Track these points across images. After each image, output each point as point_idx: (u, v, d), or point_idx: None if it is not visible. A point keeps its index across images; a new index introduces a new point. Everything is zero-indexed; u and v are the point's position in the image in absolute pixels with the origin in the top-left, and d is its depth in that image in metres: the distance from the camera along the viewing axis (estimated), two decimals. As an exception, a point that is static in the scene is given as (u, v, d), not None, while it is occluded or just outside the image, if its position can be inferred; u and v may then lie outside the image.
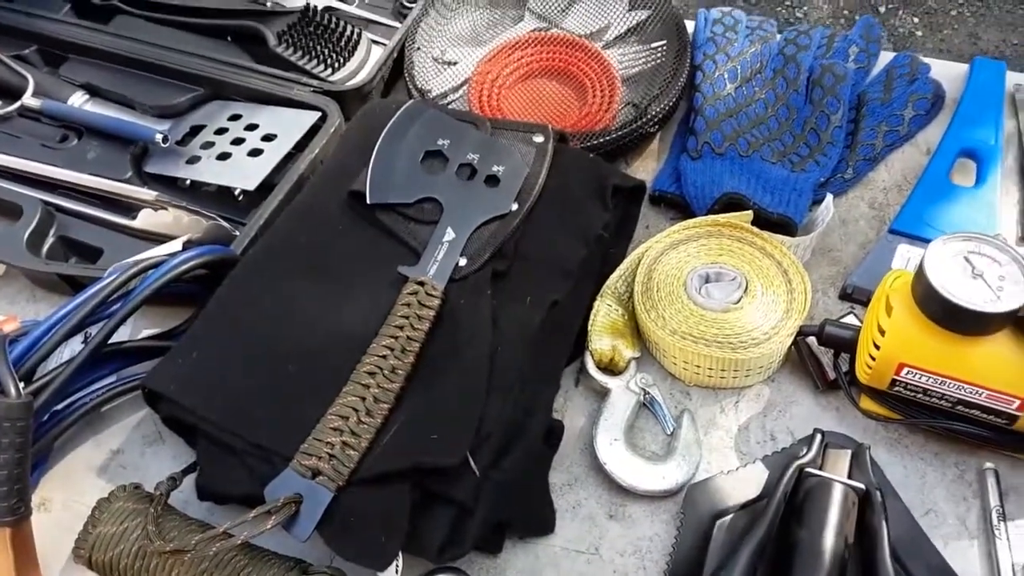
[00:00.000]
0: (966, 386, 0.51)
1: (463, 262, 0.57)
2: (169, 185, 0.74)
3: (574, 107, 0.74)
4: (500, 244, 0.57)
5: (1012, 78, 0.74)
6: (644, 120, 0.71)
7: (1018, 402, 0.50)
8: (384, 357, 0.52)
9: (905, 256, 0.62)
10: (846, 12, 2.25)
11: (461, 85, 0.77)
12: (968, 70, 0.74)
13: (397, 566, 0.49)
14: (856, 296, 0.63)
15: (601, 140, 0.69)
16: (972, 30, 2.27)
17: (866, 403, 0.57)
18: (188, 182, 0.74)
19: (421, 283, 0.55)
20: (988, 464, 0.54)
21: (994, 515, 0.52)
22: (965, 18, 2.30)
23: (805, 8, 2.26)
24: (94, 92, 0.81)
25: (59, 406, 0.58)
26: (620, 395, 0.58)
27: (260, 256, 0.59)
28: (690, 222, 0.64)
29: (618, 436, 0.56)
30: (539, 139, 0.62)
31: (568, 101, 0.74)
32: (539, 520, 0.54)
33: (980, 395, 0.51)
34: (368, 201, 0.59)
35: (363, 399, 0.51)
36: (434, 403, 0.51)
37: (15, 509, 0.51)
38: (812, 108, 0.72)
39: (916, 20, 2.31)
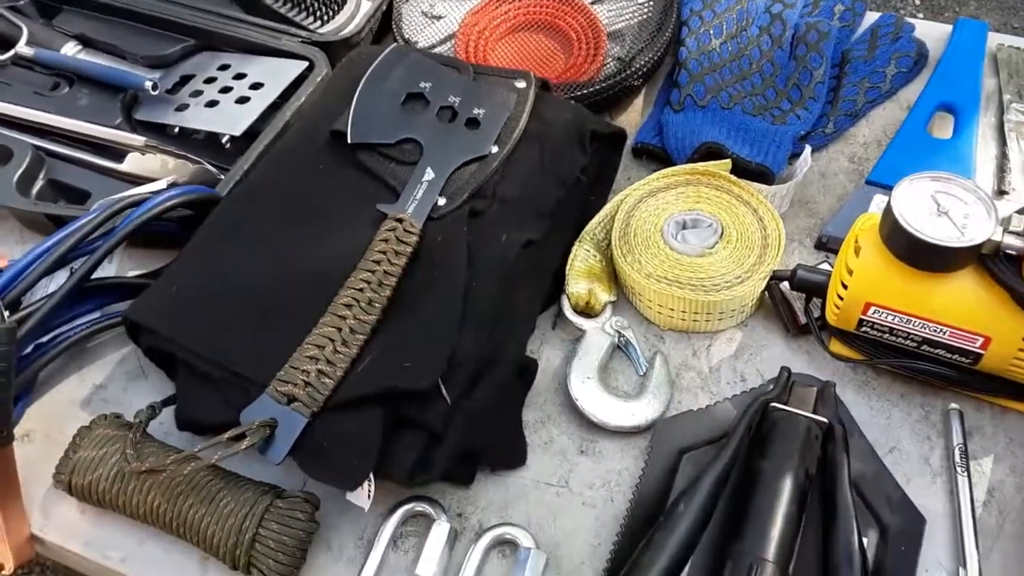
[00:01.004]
0: (930, 324, 0.51)
1: (441, 202, 0.57)
2: (158, 132, 0.75)
3: (560, 59, 0.74)
4: (479, 185, 0.58)
5: (995, 38, 0.75)
6: (628, 72, 0.71)
7: (981, 339, 0.51)
8: (361, 290, 0.53)
9: (880, 206, 0.63)
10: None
11: (448, 38, 0.77)
12: (952, 29, 0.75)
13: (369, 491, 0.50)
14: (831, 245, 0.64)
15: (585, 91, 0.70)
16: (974, 13, 2.27)
17: (835, 346, 0.58)
18: (177, 129, 0.75)
19: (399, 220, 0.56)
20: (953, 405, 0.55)
21: (956, 453, 0.53)
22: (967, 1, 2.30)
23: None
24: (87, 43, 0.82)
25: (43, 339, 0.60)
26: (595, 336, 0.59)
27: (242, 195, 0.60)
28: (669, 170, 0.64)
29: (591, 374, 0.57)
30: (521, 85, 0.62)
31: (554, 54, 0.75)
32: (511, 453, 0.55)
33: (944, 333, 0.51)
34: (349, 140, 0.59)
35: (339, 329, 0.52)
36: (408, 334, 0.52)
37: (-1, 433, 0.53)
38: (796, 64, 0.73)
39: (918, 2, 2.31)
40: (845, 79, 0.73)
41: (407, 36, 0.77)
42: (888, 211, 0.50)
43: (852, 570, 0.45)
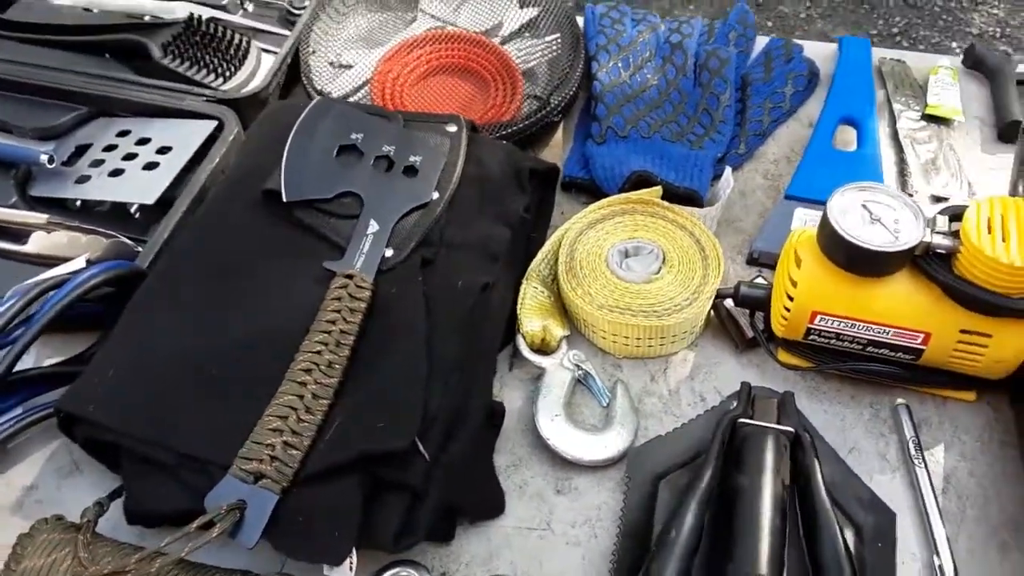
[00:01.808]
0: (874, 326, 0.54)
1: (389, 253, 0.56)
2: (58, 208, 0.70)
3: (478, 101, 0.75)
4: (425, 233, 0.57)
5: (876, 52, 0.80)
6: (548, 110, 0.72)
7: (922, 336, 0.54)
8: (319, 353, 0.51)
9: (802, 218, 0.66)
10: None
11: (361, 87, 0.76)
12: (837, 48, 0.80)
13: (351, 563, 0.48)
14: (762, 260, 0.67)
15: (508, 131, 0.70)
16: (822, 29, 2.44)
17: (783, 356, 0.60)
18: (79, 203, 0.71)
19: (350, 276, 0.54)
20: (900, 400, 0.58)
21: (911, 446, 0.56)
22: (814, 20, 2.47)
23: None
24: (-38, 118, 0.76)
25: (-40, 444, 0.54)
26: (555, 373, 0.59)
27: (171, 266, 0.57)
28: (604, 201, 0.65)
29: (558, 412, 0.57)
30: (452, 128, 0.62)
31: (471, 96, 0.75)
32: (489, 502, 0.54)
33: (887, 334, 0.54)
34: (284, 199, 0.57)
35: (301, 397, 0.49)
36: (375, 393, 0.50)
37: (-79, 556, 0.47)
38: (702, 91, 0.76)
39: (770, 24, 2.47)
40: (749, 101, 0.76)
41: (318, 87, 0.75)
42: (825, 223, 0.53)
43: (843, 574, 0.47)
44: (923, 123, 0.75)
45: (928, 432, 0.57)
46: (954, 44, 2.18)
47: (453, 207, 0.59)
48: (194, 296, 0.55)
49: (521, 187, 0.61)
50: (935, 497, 0.53)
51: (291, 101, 0.72)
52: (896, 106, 0.75)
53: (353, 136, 0.60)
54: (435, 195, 0.59)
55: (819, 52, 0.81)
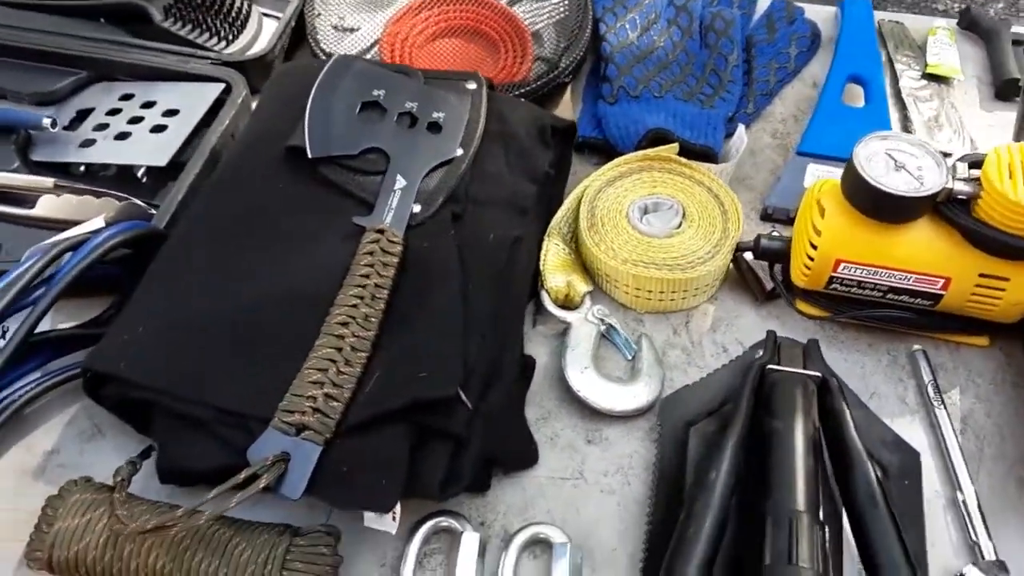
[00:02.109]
0: (896, 273, 0.55)
1: (417, 209, 0.56)
2: (61, 173, 0.69)
3: (488, 64, 0.74)
4: (451, 189, 0.57)
5: (875, 15, 0.82)
6: (558, 71, 0.72)
7: (942, 281, 0.55)
8: (355, 306, 0.51)
9: (814, 173, 0.67)
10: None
11: (369, 48, 0.76)
12: (838, 9, 0.81)
13: (395, 514, 0.48)
14: (776, 216, 0.68)
15: (519, 92, 0.70)
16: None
17: (802, 306, 0.61)
18: (82, 168, 0.69)
19: (380, 231, 0.54)
20: (916, 346, 0.59)
21: (930, 389, 0.57)
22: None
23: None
24: (-43, 84, 0.74)
25: (-19, 408, 0.53)
26: (581, 327, 0.59)
27: (195, 223, 0.56)
28: (622, 159, 0.66)
29: (587, 364, 0.57)
30: (472, 86, 0.62)
31: (481, 58, 0.75)
32: (523, 453, 0.54)
33: (909, 280, 0.56)
34: (310, 155, 0.57)
35: (339, 350, 0.49)
36: (414, 345, 0.50)
37: (-45, 517, 0.46)
38: (709, 52, 0.77)
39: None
40: (755, 61, 0.77)
41: (325, 49, 0.74)
42: (851, 171, 0.54)
43: (878, 509, 0.48)
44: (924, 82, 0.76)
45: (943, 376, 0.59)
46: (937, 5, 2.17)
47: (477, 163, 0.59)
48: (222, 253, 0.54)
49: (545, 143, 0.61)
50: (956, 437, 0.55)
51: (303, 61, 0.71)
52: (898, 66, 0.77)
53: (375, 92, 0.60)
54: (459, 151, 0.59)
55: (819, 14, 0.82)
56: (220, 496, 0.45)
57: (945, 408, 0.56)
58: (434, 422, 0.47)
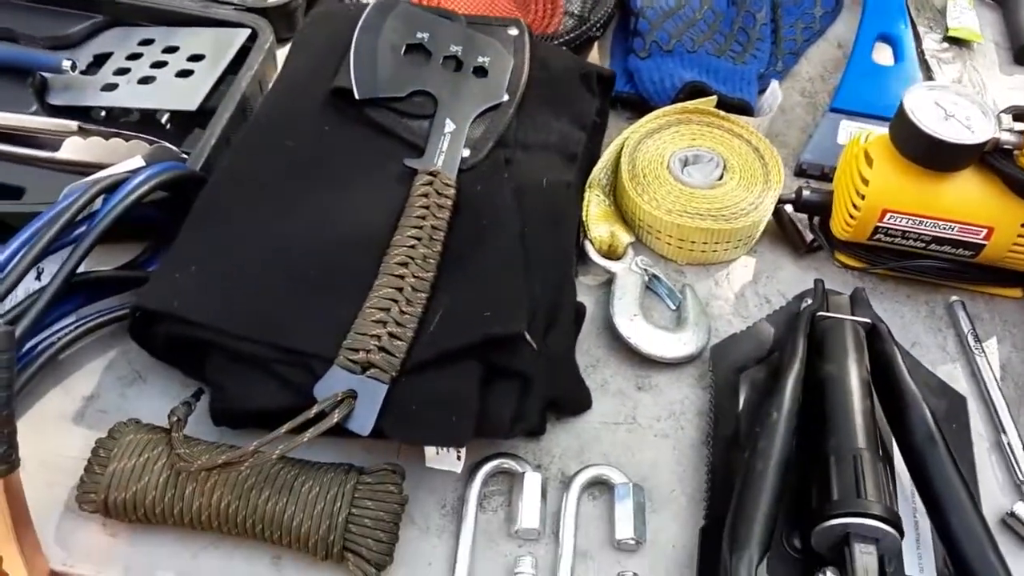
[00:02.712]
0: (941, 223, 0.56)
1: (466, 153, 0.55)
2: (80, 117, 0.66)
3: (517, 16, 0.73)
4: (500, 134, 0.56)
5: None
6: (588, 25, 0.72)
7: (984, 231, 0.56)
8: (413, 247, 0.50)
9: (847, 129, 0.68)
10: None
11: (396, 0, 0.74)
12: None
13: (459, 453, 0.48)
14: (810, 172, 0.68)
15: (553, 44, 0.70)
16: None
17: (842, 258, 0.62)
18: (103, 113, 0.67)
19: (433, 174, 0.53)
20: (954, 297, 0.61)
21: (970, 338, 0.58)
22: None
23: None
24: (-33, 28, 0.71)
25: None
26: (626, 276, 0.59)
27: (241, 163, 0.55)
28: (660, 111, 0.66)
29: (636, 312, 0.57)
30: (514, 32, 0.61)
31: (509, 11, 0.74)
32: (578, 398, 0.54)
33: (953, 230, 0.56)
34: (357, 96, 0.56)
35: (400, 289, 0.48)
36: (475, 285, 0.49)
37: (7, 457, 0.45)
38: (736, 10, 0.77)
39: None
40: (781, 21, 0.77)
41: (354, -2, 0.73)
42: (902, 119, 0.54)
43: (937, 448, 0.48)
44: (946, 44, 0.77)
45: (980, 327, 0.60)
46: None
47: (523, 109, 0.58)
48: (271, 194, 0.53)
49: (591, 91, 0.61)
50: (997, 382, 0.56)
51: (338, 5, 0.69)
52: (920, 28, 0.78)
53: (419, 35, 0.59)
54: (505, 97, 0.58)
55: (839, -23, 0.83)
56: (287, 433, 0.44)
57: (985, 355, 0.57)
58: (501, 360, 0.47)
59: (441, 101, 0.57)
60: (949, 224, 0.56)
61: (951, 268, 0.59)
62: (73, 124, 0.63)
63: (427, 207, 0.51)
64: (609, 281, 0.60)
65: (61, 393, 0.54)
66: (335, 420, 0.44)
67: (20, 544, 0.45)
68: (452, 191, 0.53)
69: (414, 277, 0.49)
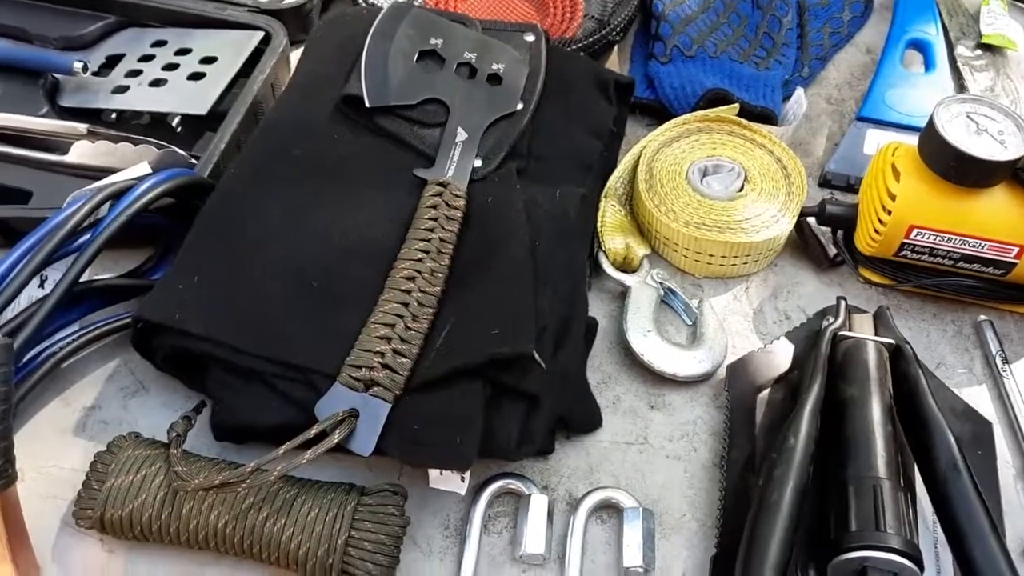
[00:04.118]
0: (970, 240, 0.54)
1: (478, 163, 0.54)
2: (91, 119, 0.66)
3: (535, 20, 0.72)
4: (513, 143, 0.55)
5: (926, -16, 0.80)
6: (608, 29, 0.70)
7: (1016, 249, 0.54)
8: (420, 260, 0.49)
9: (875, 140, 0.66)
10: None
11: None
12: (889, -25, 0.80)
13: (464, 474, 0.47)
14: (834, 182, 0.66)
15: (571, 48, 0.68)
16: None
17: (866, 274, 0.60)
18: (113, 115, 0.66)
19: (443, 184, 0.51)
20: (982, 316, 0.58)
21: (998, 359, 0.56)
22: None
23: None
24: (-21, 28, 0.70)
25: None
26: (641, 290, 0.58)
27: (248, 171, 0.54)
28: (680, 119, 0.64)
29: (650, 328, 0.55)
30: (530, 38, 0.60)
31: (528, 14, 0.72)
32: (588, 416, 0.52)
33: (983, 247, 0.54)
34: (368, 104, 0.54)
35: (406, 304, 0.47)
36: (484, 301, 0.48)
37: (3, 471, 0.44)
38: (761, 14, 0.75)
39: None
40: (808, 25, 0.75)
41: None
42: (932, 133, 0.52)
43: (961, 477, 0.46)
44: (979, 51, 0.74)
45: (1009, 347, 0.57)
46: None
47: (538, 118, 0.57)
48: (277, 205, 0.52)
49: (608, 99, 0.59)
50: (1025, 406, 0.54)
51: (353, 8, 0.68)
52: (952, 34, 0.75)
53: (433, 41, 0.57)
54: (520, 105, 0.56)
55: (868, -19, 0.81)
56: (287, 453, 0.43)
57: (1014, 377, 0.55)
58: (507, 380, 0.45)
59: (453, 109, 0.55)
60: (979, 242, 0.54)
61: (980, 286, 0.57)
62: (82, 127, 0.62)
63: (436, 219, 0.50)
64: (623, 294, 0.58)
65: (62, 404, 0.53)
66: (335, 441, 0.42)
67: (16, 561, 0.44)
68: (462, 202, 0.51)
69: (420, 292, 0.48)
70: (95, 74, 0.68)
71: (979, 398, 0.55)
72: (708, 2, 0.75)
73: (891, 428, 0.48)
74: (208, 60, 0.67)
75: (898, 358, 0.52)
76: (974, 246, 0.54)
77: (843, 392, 0.50)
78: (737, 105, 0.64)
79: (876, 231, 0.56)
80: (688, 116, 0.64)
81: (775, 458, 0.47)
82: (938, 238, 0.54)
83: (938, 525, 0.47)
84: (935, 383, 0.54)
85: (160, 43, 0.70)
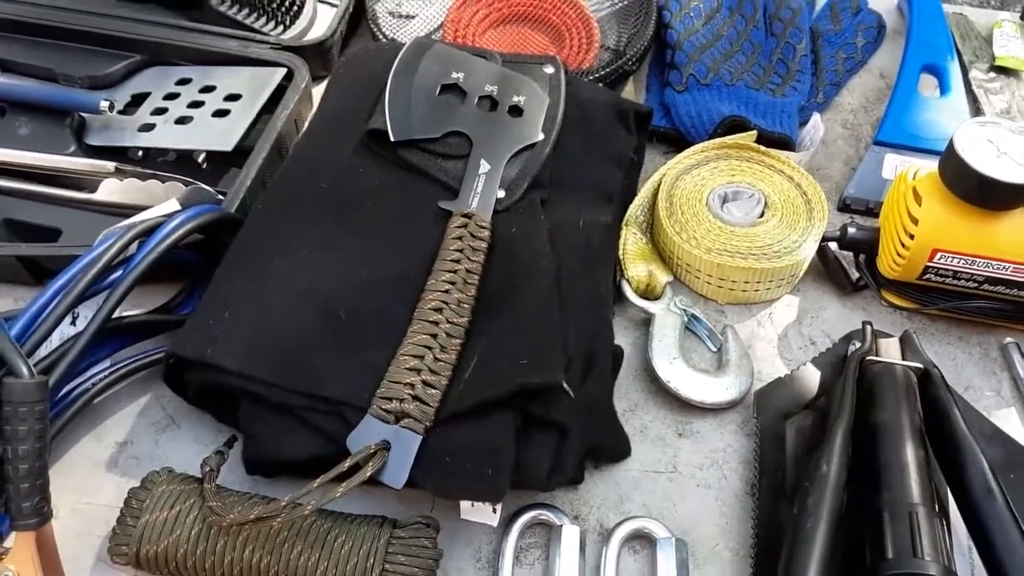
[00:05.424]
0: (995, 263, 0.54)
1: (501, 194, 0.54)
2: (117, 157, 0.67)
3: (552, 52, 0.73)
4: (536, 174, 0.55)
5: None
6: (624, 59, 0.71)
7: (1042, 271, 0.54)
8: (447, 291, 0.49)
9: (893, 164, 0.66)
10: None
11: (429, 36, 0.74)
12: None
13: (495, 505, 0.47)
14: (854, 207, 0.66)
15: (589, 79, 0.69)
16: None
17: (890, 297, 0.60)
18: (140, 153, 0.67)
19: (468, 216, 0.52)
20: (1008, 339, 0.58)
21: (1026, 382, 0.56)
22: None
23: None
24: (8, 68, 0.71)
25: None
26: (665, 317, 0.58)
27: (275, 206, 0.54)
28: (699, 147, 0.64)
29: (676, 355, 0.56)
30: (550, 70, 0.60)
31: (545, 47, 0.73)
32: (616, 445, 0.52)
33: (1007, 270, 0.54)
34: (392, 138, 0.55)
35: (434, 336, 0.47)
36: (511, 332, 0.48)
37: (39, 509, 0.44)
38: (776, 41, 0.75)
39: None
40: (821, 51, 0.76)
41: (387, 35, 0.73)
42: (953, 156, 0.52)
43: (996, 502, 0.46)
44: (993, 74, 0.75)
45: (1037, 370, 0.57)
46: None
47: (559, 149, 0.57)
48: (307, 236, 0.52)
49: (627, 128, 0.59)
50: (1056, 429, 0.54)
51: (375, 44, 0.69)
52: (966, 58, 0.76)
53: (454, 75, 0.58)
54: (541, 136, 0.57)
55: (880, 5, 0.81)
56: (321, 486, 0.43)
57: (1044, 400, 0.55)
58: (537, 409, 0.45)
59: (476, 142, 0.56)
60: (1004, 264, 0.54)
61: (1005, 308, 0.57)
62: (110, 165, 0.63)
63: (461, 250, 0.51)
64: (647, 322, 0.58)
65: (94, 439, 0.54)
66: (368, 474, 0.43)
67: (52, 601, 0.45)
68: (487, 233, 0.52)
69: (448, 323, 0.48)
70: (121, 112, 0.69)
71: (1009, 420, 0.55)
72: (721, 31, 0.75)
73: (923, 453, 0.48)
74: (232, 97, 0.68)
75: (927, 382, 0.52)
76: (998, 268, 0.54)
77: (873, 417, 0.50)
78: (755, 132, 0.64)
79: (899, 255, 0.56)
80: (706, 143, 0.64)
81: (808, 486, 0.47)
82: (962, 261, 0.54)
83: (974, 551, 0.47)
84: (964, 406, 0.54)
85: (184, 81, 0.71)
